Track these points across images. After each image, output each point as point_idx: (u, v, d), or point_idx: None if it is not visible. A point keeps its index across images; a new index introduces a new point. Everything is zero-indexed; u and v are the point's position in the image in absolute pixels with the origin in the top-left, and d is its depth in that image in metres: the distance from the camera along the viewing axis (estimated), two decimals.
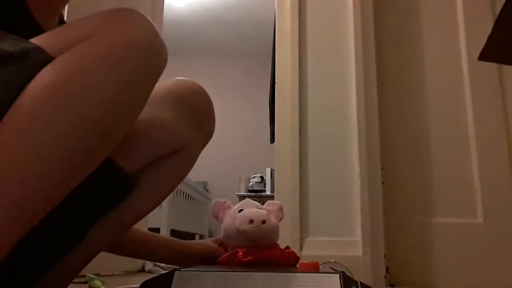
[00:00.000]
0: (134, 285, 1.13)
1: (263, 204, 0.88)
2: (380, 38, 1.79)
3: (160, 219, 2.74)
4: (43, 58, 0.43)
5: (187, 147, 0.65)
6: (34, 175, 0.40)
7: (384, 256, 1.54)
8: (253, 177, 4.92)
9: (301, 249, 1.55)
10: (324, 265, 1.21)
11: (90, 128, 0.43)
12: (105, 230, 0.61)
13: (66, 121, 0.41)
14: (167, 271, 0.64)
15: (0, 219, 0.38)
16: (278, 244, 0.83)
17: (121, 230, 0.64)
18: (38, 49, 0.43)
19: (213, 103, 0.71)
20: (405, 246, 1.60)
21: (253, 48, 4.89)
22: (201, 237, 4.00)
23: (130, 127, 0.49)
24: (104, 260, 1.62)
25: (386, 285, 1.51)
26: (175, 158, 0.64)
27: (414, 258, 1.59)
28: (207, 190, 4.65)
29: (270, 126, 2.21)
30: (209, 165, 4.67)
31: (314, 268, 0.69)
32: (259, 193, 4.70)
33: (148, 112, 0.53)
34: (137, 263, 1.94)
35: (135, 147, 0.59)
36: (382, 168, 1.64)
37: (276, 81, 1.78)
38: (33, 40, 0.45)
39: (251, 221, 0.77)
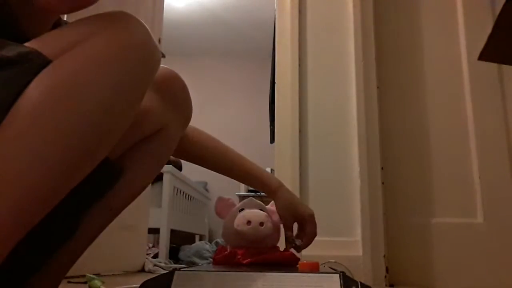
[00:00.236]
0: (134, 285, 1.13)
1: (266, 204, 0.88)
2: (380, 38, 1.79)
3: (160, 219, 2.73)
4: (41, 61, 0.43)
5: (166, 128, 0.68)
6: (35, 176, 0.41)
7: (384, 256, 1.54)
8: None
9: None
10: (324, 265, 1.21)
11: (89, 129, 0.44)
12: (96, 218, 0.64)
13: (66, 122, 0.42)
14: (167, 271, 0.64)
15: (1, 220, 0.39)
16: (278, 247, 0.83)
17: (111, 217, 0.67)
18: (35, 52, 0.44)
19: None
20: (405, 246, 1.60)
21: (253, 48, 4.88)
22: (201, 237, 3.99)
23: (126, 127, 0.51)
24: (104, 260, 1.63)
25: (386, 285, 1.51)
26: (155, 140, 0.67)
27: (414, 258, 1.59)
28: (207, 190, 4.64)
29: (270, 126, 2.21)
30: None
31: (314, 268, 0.69)
32: (259, 193, 4.70)
33: None
34: (137, 263, 1.94)
35: None
36: (382, 168, 1.64)
37: (276, 81, 1.78)
38: (30, 44, 0.45)
39: (249, 222, 0.77)
